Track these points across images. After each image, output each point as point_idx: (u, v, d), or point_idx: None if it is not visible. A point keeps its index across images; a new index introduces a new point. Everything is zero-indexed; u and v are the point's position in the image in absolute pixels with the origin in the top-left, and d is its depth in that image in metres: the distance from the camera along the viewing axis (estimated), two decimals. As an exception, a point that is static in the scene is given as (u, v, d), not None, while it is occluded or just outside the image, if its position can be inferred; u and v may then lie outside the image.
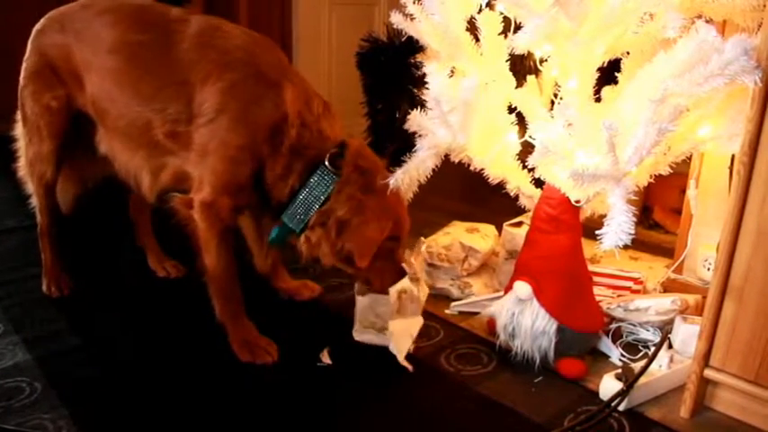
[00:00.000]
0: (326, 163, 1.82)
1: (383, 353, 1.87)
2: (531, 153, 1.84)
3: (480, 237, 2.43)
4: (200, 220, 1.85)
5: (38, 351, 1.94)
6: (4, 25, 3.75)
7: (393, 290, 1.92)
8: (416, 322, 2.00)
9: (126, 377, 1.83)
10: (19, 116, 2.19)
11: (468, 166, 2.04)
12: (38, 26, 2.12)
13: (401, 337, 1.90)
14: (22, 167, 2.24)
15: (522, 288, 1.88)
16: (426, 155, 1.90)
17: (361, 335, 1.98)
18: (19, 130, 2.22)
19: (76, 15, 2.04)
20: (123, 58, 1.92)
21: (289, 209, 1.85)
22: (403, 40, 2.35)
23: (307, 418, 1.68)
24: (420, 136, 1.95)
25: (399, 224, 1.90)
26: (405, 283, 1.95)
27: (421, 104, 1.96)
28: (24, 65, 2.13)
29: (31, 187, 2.24)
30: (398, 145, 2.25)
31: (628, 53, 1.87)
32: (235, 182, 1.83)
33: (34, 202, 2.27)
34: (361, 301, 1.97)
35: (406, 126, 2.18)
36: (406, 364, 1.86)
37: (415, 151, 1.92)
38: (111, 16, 1.97)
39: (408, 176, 1.90)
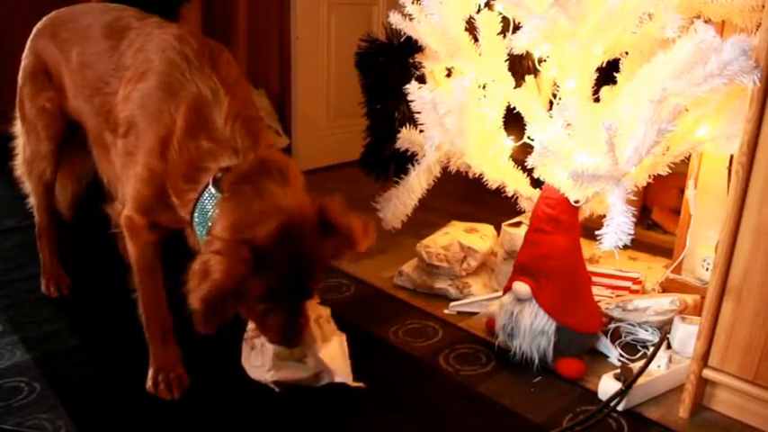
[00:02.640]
0: (210, 186, 1.54)
1: (379, 350, 1.87)
2: (528, 154, 1.84)
3: (479, 237, 2.43)
4: (125, 234, 1.77)
5: (37, 351, 1.94)
6: (3, 23, 3.75)
7: (311, 321, 1.68)
8: (341, 339, 1.78)
9: (125, 377, 1.82)
10: (17, 114, 2.19)
11: (467, 173, 2.05)
12: (38, 26, 2.11)
13: (339, 362, 1.73)
14: (20, 166, 2.24)
15: (521, 288, 1.88)
16: (421, 168, 1.89)
17: (278, 373, 1.66)
18: (18, 128, 2.22)
19: (68, 24, 2.02)
20: (93, 69, 1.87)
21: (195, 226, 1.61)
22: (402, 40, 2.35)
23: (304, 420, 1.68)
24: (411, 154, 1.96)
25: (296, 280, 1.51)
26: (316, 308, 1.76)
27: (411, 118, 1.96)
28: (22, 64, 2.12)
29: (28, 186, 2.24)
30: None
31: (626, 53, 1.87)
32: (144, 200, 1.68)
33: (32, 201, 2.26)
34: None
35: (397, 145, 2.19)
36: (358, 384, 1.71)
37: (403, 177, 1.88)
38: (94, 26, 1.93)
39: (397, 202, 1.87)
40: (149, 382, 1.76)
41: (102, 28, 1.89)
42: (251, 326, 1.71)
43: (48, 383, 1.79)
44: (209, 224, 1.52)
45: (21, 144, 2.21)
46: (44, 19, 2.11)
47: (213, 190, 1.52)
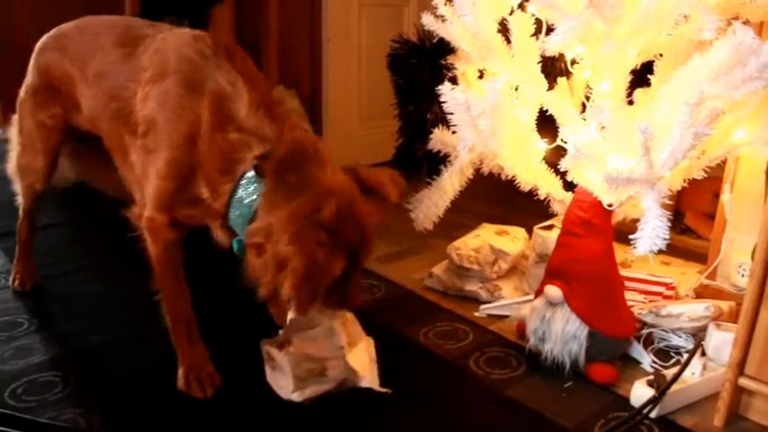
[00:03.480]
0: (251, 171, 1.59)
1: (409, 352, 1.86)
2: (561, 156, 1.82)
3: (510, 239, 2.41)
4: (146, 235, 1.78)
5: (72, 346, 1.97)
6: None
7: (337, 323, 1.71)
8: (369, 343, 1.79)
9: (159, 374, 1.84)
10: (14, 120, 2.23)
11: (499, 175, 2.04)
12: (40, 44, 2.13)
13: (366, 366, 1.73)
14: (11, 169, 2.28)
15: (553, 292, 1.86)
16: (454, 169, 1.88)
17: (303, 393, 1.67)
18: (13, 134, 2.26)
19: (73, 38, 2.04)
20: (107, 78, 1.90)
21: (230, 219, 1.65)
22: (434, 41, 2.35)
23: (332, 419, 1.68)
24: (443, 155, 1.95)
25: (356, 254, 1.59)
26: (341, 311, 1.74)
27: (444, 119, 1.95)
28: (26, 80, 2.15)
29: (17, 188, 2.30)
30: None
31: (661, 55, 1.85)
32: (167, 197, 1.71)
33: (19, 200, 2.32)
34: (288, 356, 1.68)
35: (430, 146, 2.19)
36: (384, 389, 1.71)
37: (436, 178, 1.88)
38: (101, 39, 1.95)
39: (429, 203, 1.87)
40: (181, 382, 1.77)
41: (114, 38, 1.92)
42: (266, 347, 1.73)
43: (82, 379, 1.81)
44: (252, 213, 1.58)
45: (16, 151, 2.25)
46: (47, 35, 2.13)
47: (254, 179, 1.58)
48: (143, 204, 1.77)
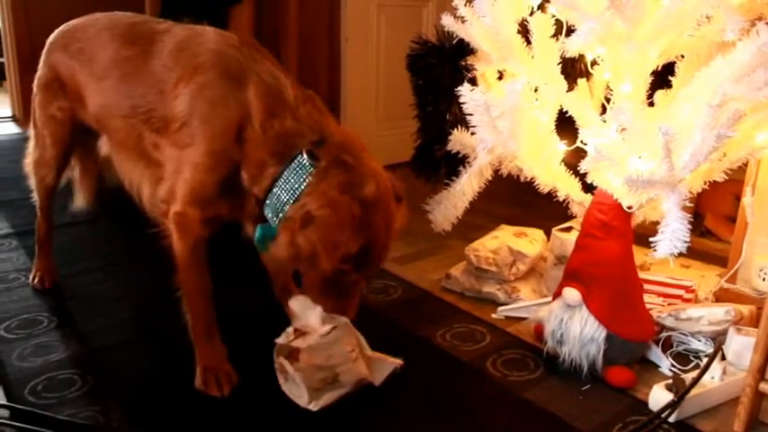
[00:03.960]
0: (303, 154, 1.64)
1: (425, 353, 1.86)
2: (580, 158, 1.81)
3: (528, 241, 2.40)
4: (173, 231, 1.78)
5: (91, 344, 1.98)
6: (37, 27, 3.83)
7: (340, 329, 1.71)
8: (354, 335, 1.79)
9: (177, 372, 1.84)
10: (32, 117, 2.28)
11: (518, 177, 2.03)
12: (50, 39, 2.17)
13: (376, 363, 1.78)
14: (27, 165, 2.33)
15: (572, 294, 1.85)
16: (473, 171, 1.87)
17: (318, 402, 1.67)
18: (31, 131, 2.30)
19: (79, 35, 2.07)
20: (115, 75, 1.92)
21: (268, 206, 1.69)
22: (454, 42, 2.34)
23: (348, 420, 1.68)
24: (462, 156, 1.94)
25: (375, 249, 1.63)
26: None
27: (463, 120, 1.95)
28: (37, 74, 2.20)
29: (31, 184, 2.33)
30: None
31: (682, 56, 1.83)
32: (203, 192, 1.73)
33: (34, 198, 2.34)
34: (299, 370, 1.68)
35: (449, 147, 2.18)
36: (396, 361, 1.81)
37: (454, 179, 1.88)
38: (107, 34, 1.98)
39: (448, 205, 1.85)
40: (198, 380, 1.78)
41: (120, 36, 1.95)
42: (280, 359, 1.73)
43: (101, 376, 1.82)
44: (295, 196, 1.62)
45: (30, 147, 2.31)
46: (55, 32, 2.17)
47: (306, 163, 1.63)
48: (170, 200, 1.77)
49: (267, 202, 1.68)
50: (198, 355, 1.81)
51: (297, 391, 1.71)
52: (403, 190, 1.75)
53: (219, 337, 1.84)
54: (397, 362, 1.80)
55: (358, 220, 1.56)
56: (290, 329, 1.72)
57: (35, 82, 2.21)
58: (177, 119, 1.74)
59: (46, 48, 2.17)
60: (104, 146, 2.12)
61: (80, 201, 2.43)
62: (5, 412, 1.65)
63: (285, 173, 1.64)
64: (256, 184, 1.69)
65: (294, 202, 1.63)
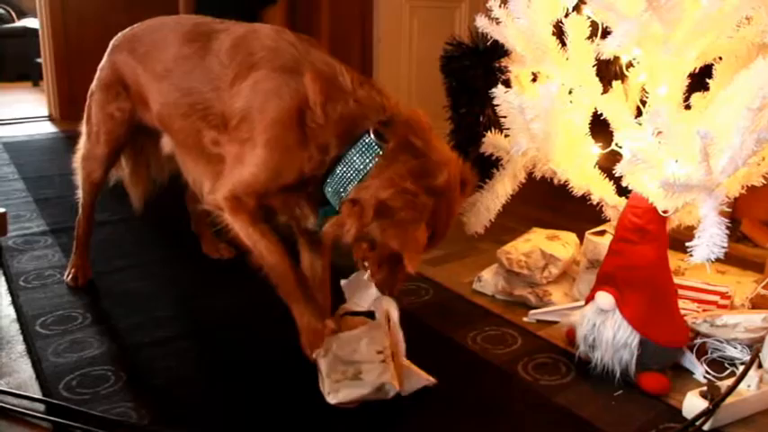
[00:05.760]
0: (370, 134, 1.63)
1: (456, 356, 1.85)
2: (614, 161, 1.80)
3: (561, 244, 2.38)
4: (229, 216, 1.78)
5: (124, 341, 2.01)
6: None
7: (381, 327, 1.75)
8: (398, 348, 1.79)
9: (209, 369, 1.87)
10: (85, 114, 2.32)
11: (550, 179, 2.01)
12: (114, 41, 2.23)
13: (406, 370, 1.76)
14: (76, 160, 2.38)
15: (605, 298, 1.83)
16: (507, 173, 1.86)
17: (336, 396, 1.65)
18: (83, 127, 2.35)
19: (144, 38, 2.12)
20: (175, 74, 1.96)
21: (328, 185, 1.68)
22: (488, 43, 2.34)
23: (378, 423, 1.68)
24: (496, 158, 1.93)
25: (436, 236, 1.65)
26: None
27: (497, 122, 1.94)
28: (98, 74, 2.25)
29: (78, 180, 2.38)
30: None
31: (720, 58, 1.81)
32: (260, 185, 1.74)
33: (79, 194, 2.38)
34: (324, 357, 1.71)
35: (482, 149, 2.17)
36: (430, 379, 1.77)
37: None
38: (172, 36, 2.02)
39: (481, 207, 1.85)
40: (303, 343, 1.77)
41: (182, 36, 1.99)
42: (314, 355, 1.74)
43: (134, 373, 1.84)
44: (361, 176, 1.61)
45: (81, 142, 2.35)
46: (120, 35, 2.23)
47: (373, 143, 1.62)
48: (226, 193, 1.77)
49: (328, 180, 1.68)
50: (295, 318, 1.79)
51: (320, 380, 1.71)
52: (470, 175, 1.75)
53: (315, 296, 1.83)
54: (431, 380, 1.77)
55: (430, 214, 1.57)
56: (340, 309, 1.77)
57: (94, 82, 2.26)
58: (235, 115, 1.77)
59: (109, 50, 2.23)
60: (167, 145, 2.16)
61: (135, 202, 2.48)
62: (41, 407, 1.68)
63: (350, 153, 1.64)
64: (319, 167, 1.69)
65: (359, 182, 1.62)
